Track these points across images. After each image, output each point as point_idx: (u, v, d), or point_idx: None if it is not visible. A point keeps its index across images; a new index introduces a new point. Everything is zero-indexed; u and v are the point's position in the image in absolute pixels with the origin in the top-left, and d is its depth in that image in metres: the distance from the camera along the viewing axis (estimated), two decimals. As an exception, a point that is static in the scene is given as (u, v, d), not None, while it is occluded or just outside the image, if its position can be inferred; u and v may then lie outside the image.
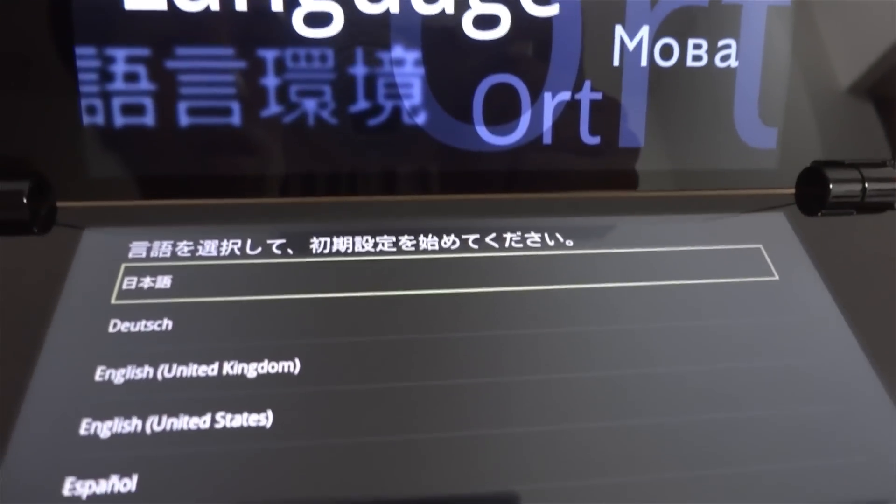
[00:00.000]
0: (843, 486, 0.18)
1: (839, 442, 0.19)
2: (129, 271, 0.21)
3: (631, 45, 0.24)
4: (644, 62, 0.24)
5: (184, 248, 0.21)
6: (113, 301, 0.20)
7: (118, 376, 0.18)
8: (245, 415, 0.18)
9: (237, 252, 0.21)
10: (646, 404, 0.19)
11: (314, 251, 0.22)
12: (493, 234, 0.23)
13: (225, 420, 0.18)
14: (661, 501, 0.17)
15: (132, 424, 0.17)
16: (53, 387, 0.18)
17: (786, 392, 0.20)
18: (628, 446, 0.18)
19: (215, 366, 0.19)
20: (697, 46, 0.24)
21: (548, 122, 0.24)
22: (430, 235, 0.22)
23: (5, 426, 0.17)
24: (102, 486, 0.16)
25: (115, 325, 0.19)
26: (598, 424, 0.18)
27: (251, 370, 0.19)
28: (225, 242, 0.22)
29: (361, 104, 0.23)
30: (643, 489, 0.17)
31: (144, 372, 0.18)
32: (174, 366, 0.19)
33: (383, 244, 0.22)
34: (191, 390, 0.18)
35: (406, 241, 0.22)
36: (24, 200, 0.21)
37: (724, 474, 0.18)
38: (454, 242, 0.22)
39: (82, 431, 0.17)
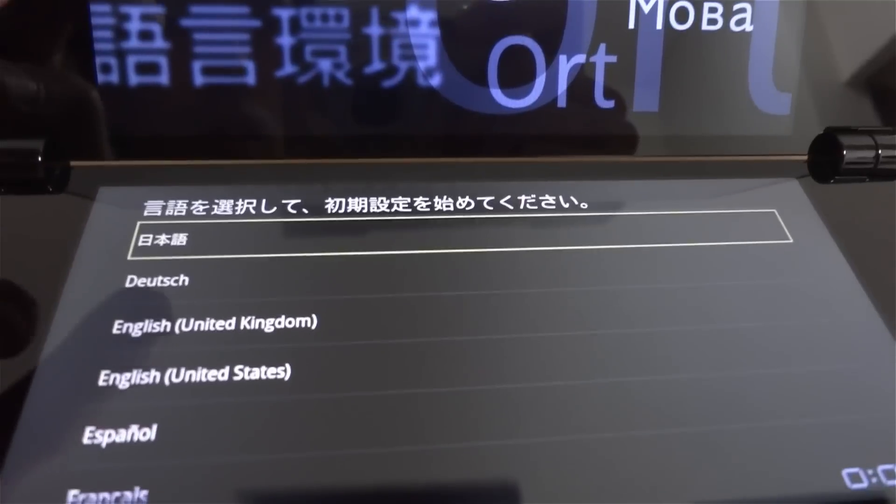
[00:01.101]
0: (857, 443, 0.18)
1: (853, 399, 0.19)
2: (145, 229, 0.21)
3: (646, 8, 0.23)
4: (659, 25, 0.24)
5: (199, 206, 0.21)
6: (129, 257, 0.20)
7: (136, 330, 0.18)
8: (263, 368, 0.18)
9: (252, 211, 0.21)
10: (658, 361, 0.19)
11: (329, 211, 0.22)
12: (508, 197, 0.23)
13: (243, 373, 0.18)
14: (667, 454, 0.17)
15: (151, 376, 0.18)
16: (71, 339, 0.18)
17: (800, 350, 0.20)
18: (638, 401, 0.18)
19: (232, 320, 0.19)
20: (713, 10, 0.24)
21: (562, 85, 0.24)
22: (444, 197, 0.22)
23: (24, 379, 0.17)
24: (122, 436, 0.16)
25: (131, 280, 0.19)
26: (607, 380, 0.18)
27: (268, 325, 0.19)
28: (240, 202, 0.22)
29: (376, 65, 0.23)
30: (645, 444, 0.17)
31: (162, 326, 0.18)
32: (191, 320, 0.19)
33: (398, 205, 0.22)
34: (209, 344, 0.18)
35: (421, 202, 0.22)
36: (39, 159, 0.21)
37: (734, 430, 0.18)
38: (469, 204, 0.22)
39: (101, 383, 0.17)
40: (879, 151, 0.25)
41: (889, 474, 0.18)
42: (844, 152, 0.25)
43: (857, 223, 0.24)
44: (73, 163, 0.22)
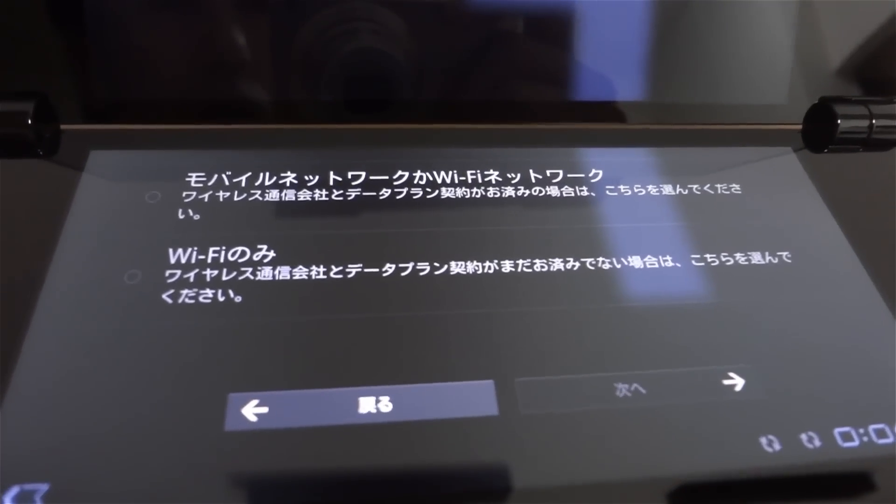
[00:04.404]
0: (849, 403, 0.18)
1: (849, 367, 0.19)
2: (137, 192, 0.21)
3: (642, -26, 0.23)
4: (655, -9, 0.23)
5: (194, 177, 0.21)
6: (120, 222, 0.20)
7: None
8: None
9: (242, 181, 0.21)
10: (658, 332, 0.19)
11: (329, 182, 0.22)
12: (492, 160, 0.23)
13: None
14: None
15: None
16: (60, 302, 0.18)
17: (797, 318, 0.20)
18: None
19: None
20: (709, -23, 0.24)
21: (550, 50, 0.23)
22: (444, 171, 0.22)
23: (16, 335, 0.17)
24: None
25: (125, 242, 0.19)
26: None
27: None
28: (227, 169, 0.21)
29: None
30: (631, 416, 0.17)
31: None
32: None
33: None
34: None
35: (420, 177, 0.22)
36: (29, 121, 0.21)
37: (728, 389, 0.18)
38: (474, 177, 0.22)
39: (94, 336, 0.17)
40: (873, 121, 0.25)
41: (880, 433, 0.18)
42: (839, 122, 0.25)
43: (850, 191, 0.24)
44: (63, 126, 0.22)
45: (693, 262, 0.21)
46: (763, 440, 0.17)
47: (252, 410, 0.16)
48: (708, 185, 0.23)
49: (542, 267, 0.20)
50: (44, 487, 0.15)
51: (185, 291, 0.18)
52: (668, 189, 0.23)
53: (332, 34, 0.22)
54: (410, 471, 0.16)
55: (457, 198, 0.21)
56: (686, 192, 0.23)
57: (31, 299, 0.18)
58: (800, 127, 0.26)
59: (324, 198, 0.21)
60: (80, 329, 0.18)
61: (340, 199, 0.21)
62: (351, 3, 0.22)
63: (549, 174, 0.22)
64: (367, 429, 0.16)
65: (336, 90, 0.23)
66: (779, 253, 0.21)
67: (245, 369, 0.17)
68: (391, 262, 0.20)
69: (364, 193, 0.21)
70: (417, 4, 0.22)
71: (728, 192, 0.23)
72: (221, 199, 0.20)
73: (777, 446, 0.17)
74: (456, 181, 0.22)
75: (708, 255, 0.21)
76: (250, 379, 0.17)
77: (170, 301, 0.18)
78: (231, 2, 0.22)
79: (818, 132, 0.25)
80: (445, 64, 0.23)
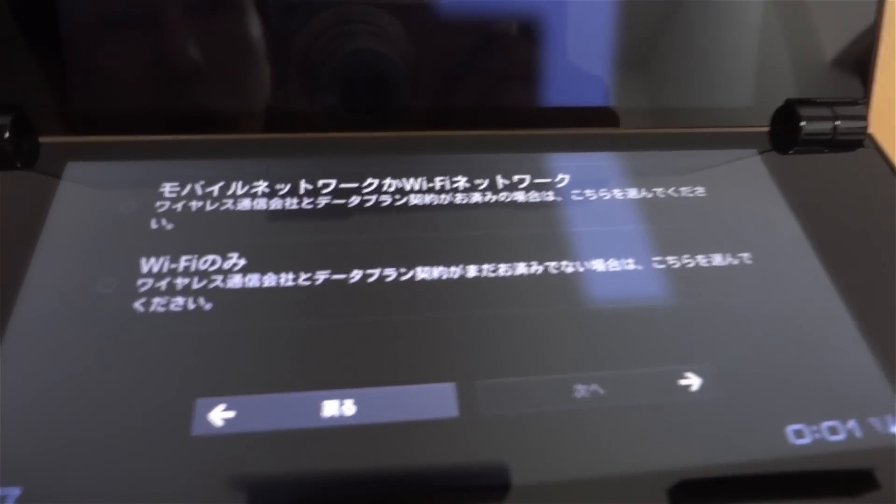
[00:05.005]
0: (802, 400, 0.19)
1: (802, 360, 0.19)
2: (113, 203, 0.21)
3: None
4: (619, -3, 0.24)
5: (168, 187, 0.22)
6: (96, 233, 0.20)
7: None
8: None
9: (221, 189, 0.22)
10: (614, 333, 0.20)
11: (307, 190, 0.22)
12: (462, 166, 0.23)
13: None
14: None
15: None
16: (37, 311, 0.19)
17: (754, 319, 0.20)
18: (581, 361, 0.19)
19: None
20: (673, -17, 0.24)
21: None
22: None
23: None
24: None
25: (99, 253, 0.20)
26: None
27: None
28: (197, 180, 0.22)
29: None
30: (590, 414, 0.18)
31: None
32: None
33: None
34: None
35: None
36: (7, 134, 0.21)
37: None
38: (443, 183, 0.23)
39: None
40: (838, 123, 0.26)
41: (833, 430, 0.18)
42: (802, 123, 0.25)
43: (812, 193, 0.24)
44: (41, 139, 0.22)
45: (655, 264, 0.21)
46: (717, 438, 0.18)
47: (219, 415, 0.17)
48: (672, 189, 0.23)
49: (507, 271, 0.20)
50: (16, 492, 0.15)
51: (156, 300, 0.19)
52: (632, 193, 0.23)
53: (302, 47, 0.23)
54: (373, 472, 0.17)
55: (425, 204, 0.22)
56: (651, 195, 0.23)
57: (7, 307, 0.19)
58: (767, 129, 0.26)
59: (294, 206, 0.21)
60: (54, 337, 0.18)
61: (311, 207, 0.21)
62: (326, 19, 0.23)
63: (516, 179, 0.23)
64: (330, 431, 0.17)
65: (306, 101, 0.23)
66: (739, 254, 0.22)
67: (213, 375, 0.18)
68: (359, 269, 0.20)
69: (334, 201, 0.22)
70: (381, 14, 0.23)
71: (692, 195, 0.23)
72: (194, 209, 0.21)
73: (731, 444, 0.18)
74: (424, 188, 0.22)
75: (670, 258, 0.21)
76: (218, 384, 0.18)
77: (141, 309, 0.19)
78: (201, 16, 0.22)
79: (784, 134, 0.26)
80: (418, 73, 0.23)
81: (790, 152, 0.26)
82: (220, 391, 0.17)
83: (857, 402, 0.19)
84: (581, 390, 0.18)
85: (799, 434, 0.18)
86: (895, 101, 0.33)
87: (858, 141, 0.26)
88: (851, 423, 0.18)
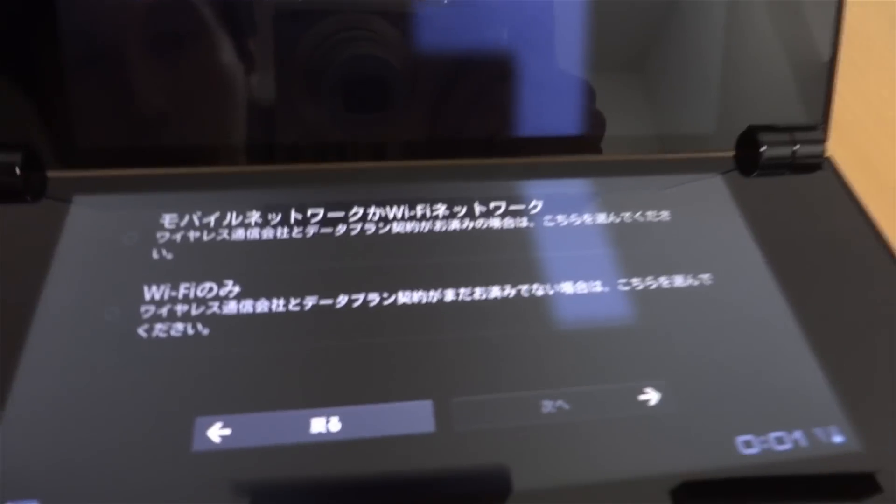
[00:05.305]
0: (751, 411, 0.20)
1: (754, 381, 0.21)
2: (119, 234, 0.23)
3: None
4: (588, 34, 0.26)
5: (168, 218, 0.23)
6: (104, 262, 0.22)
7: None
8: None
9: (223, 220, 0.23)
10: (574, 351, 0.21)
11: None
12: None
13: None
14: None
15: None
16: (58, 323, 0.20)
17: (706, 337, 0.22)
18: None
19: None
20: (637, 19, 0.26)
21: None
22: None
23: (10, 365, 0.20)
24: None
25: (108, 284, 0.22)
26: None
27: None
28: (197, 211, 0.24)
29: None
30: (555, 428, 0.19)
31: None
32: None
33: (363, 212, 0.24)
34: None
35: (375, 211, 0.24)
36: (17, 171, 0.23)
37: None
38: (423, 211, 0.24)
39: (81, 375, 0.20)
40: (797, 147, 0.27)
41: (779, 440, 0.20)
42: (763, 149, 0.27)
43: (771, 215, 0.26)
44: (48, 173, 0.24)
45: (620, 286, 0.23)
46: (674, 449, 0.19)
47: (217, 432, 0.19)
48: (639, 213, 0.25)
49: (482, 295, 0.22)
50: (33, 504, 0.17)
51: (158, 326, 0.21)
52: (601, 218, 0.25)
53: (300, 90, 0.24)
54: (357, 483, 0.18)
55: (406, 232, 0.24)
56: (618, 220, 0.25)
57: (23, 332, 0.20)
58: (731, 154, 0.28)
59: (285, 235, 0.23)
60: (66, 360, 0.20)
61: (300, 236, 0.23)
62: (317, 59, 0.24)
63: (492, 207, 0.25)
64: (318, 446, 0.19)
65: (299, 135, 0.25)
66: (700, 275, 0.23)
67: (211, 395, 0.19)
68: (344, 294, 0.22)
69: (322, 230, 0.23)
70: (362, 55, 0.24)
71: (658, 220, 0.25)
72: (192, 239, 0.23)
73: (686, 454, 0.19)
74: (406, 216, 0.24)
75: (634, 280, 0.23)
76: (215, 403, 0.19)
77: (145, 335, 0.20)
78: (196, 61, 0.24)
79: (747, 159, 0.27)
80: (402, 107, 0.25)
81: (753, 176, 0.27)
82: (217, 410, 0.19)
83: (804, 414, 0.20)
84: (548, 406, 0.20)
85: (748, 444, 0.20)
86: (860, 120, 0.35)
87: (817, 164, 0.28)
88: (797, 434, 0.20)
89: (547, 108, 0.26)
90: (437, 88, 0.25)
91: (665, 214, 0.25)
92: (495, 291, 0.22)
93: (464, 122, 0.26)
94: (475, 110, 0.26)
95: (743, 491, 0.19)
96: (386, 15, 0.24)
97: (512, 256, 0.23)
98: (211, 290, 0.21)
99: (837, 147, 0.29)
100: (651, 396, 0.20)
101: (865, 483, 0.19)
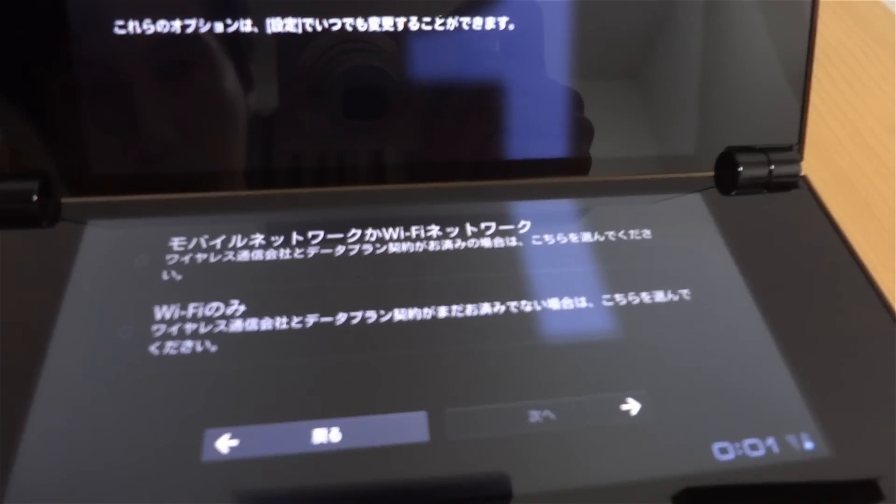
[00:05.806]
0: (732, 425, 0.21)
1: (729, 391, 0.22)
2: (132, 258, 0.24)
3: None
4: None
5: (176, 241, 0.25)
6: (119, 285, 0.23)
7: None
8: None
9: (236, 242, 0.25)
10: (559, 363, 0.23)
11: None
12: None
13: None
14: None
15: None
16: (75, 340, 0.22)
17: (686, 353, 0.23)
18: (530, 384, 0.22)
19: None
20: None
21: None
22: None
23: (29, 382, 0.21)
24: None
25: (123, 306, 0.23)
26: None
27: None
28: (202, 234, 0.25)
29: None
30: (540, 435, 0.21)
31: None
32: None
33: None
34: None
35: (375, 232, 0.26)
36: (34, 198, 0.24)
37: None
38: (418, 232, 0.26)
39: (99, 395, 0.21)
40: (772, 167, 0.29)
41: (753, 447, 0.21)
42: (740, 169, 0.28)
43: (748, 232, 0.27)
44: (63, 199, 0.25)
45: (604, 302, 0.24)
46: (654, 456, 0.21)
47: (225, 443, 0.20)
48: (622, 232, 0.26)
49: (473, 311, 0.23)
50: (52, 514, 0.18)
51: (168, 344, 0.22)
52: (586, 236, 0.26)
53: (299, 116, 0.26)
54: (357, 490, 0.19)
55: (402, 252, 0.25)
56: (603, 238, 0.26)
57: (42, 351, 0.22)
58: (711, 174, 0.29)
59: (287, 256, 0.24)
60: (83, 377, 0.21)
61: (301, 257, 0.24)
62: (319, 82, 0.26)
63: (483, 227, 0.26)
64: (320, 456, 0.20)
65: (299, 159, 0.26)
66: (680, 291, 0.25)
67: (219, 408, 0.21)
68: (343, 312, 0.23)
69: (322, 251, 0.25)
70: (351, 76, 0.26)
71: (640, 238, 0.26)
72: (199, 261, 0.24)
73: (665, 461, 0.21)
74: (402, 237, 0.25)
75: (617, 296, 0.24)
76: (224, 416, 0.20)
77: (156, 353, 0.22)
78: (200, 95, 0.25)
79: (726, 179, 0.29)
80: (398, 119, 0.27)
81: (731, 195, 0.29)
82: (225, 422, 0.20)
83: (776, 422, 0.22)
84: (535, 415, 0.21)
85: (724, 451, 0.21)
86: (837, 136, 0.37)
87: (793, 183, 0.29)
88: (770, 440, 0.21)
89: (535, 131, 0.28)
90: (430, 108, 0.27)
91: (647, 233, 0.27)
92: (486, 308, 0.24)
93: (455, 144, 0.27)
94: (466, 134, 0.27)
95: (719, 496, 0.20)
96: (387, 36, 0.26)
97: (502, 274, 0.25)
98: (218, 309, 0.23)
99: (815, 163, 0.31)
100: (632, 406, 0.22)
101: (835, 488, 0.21)
